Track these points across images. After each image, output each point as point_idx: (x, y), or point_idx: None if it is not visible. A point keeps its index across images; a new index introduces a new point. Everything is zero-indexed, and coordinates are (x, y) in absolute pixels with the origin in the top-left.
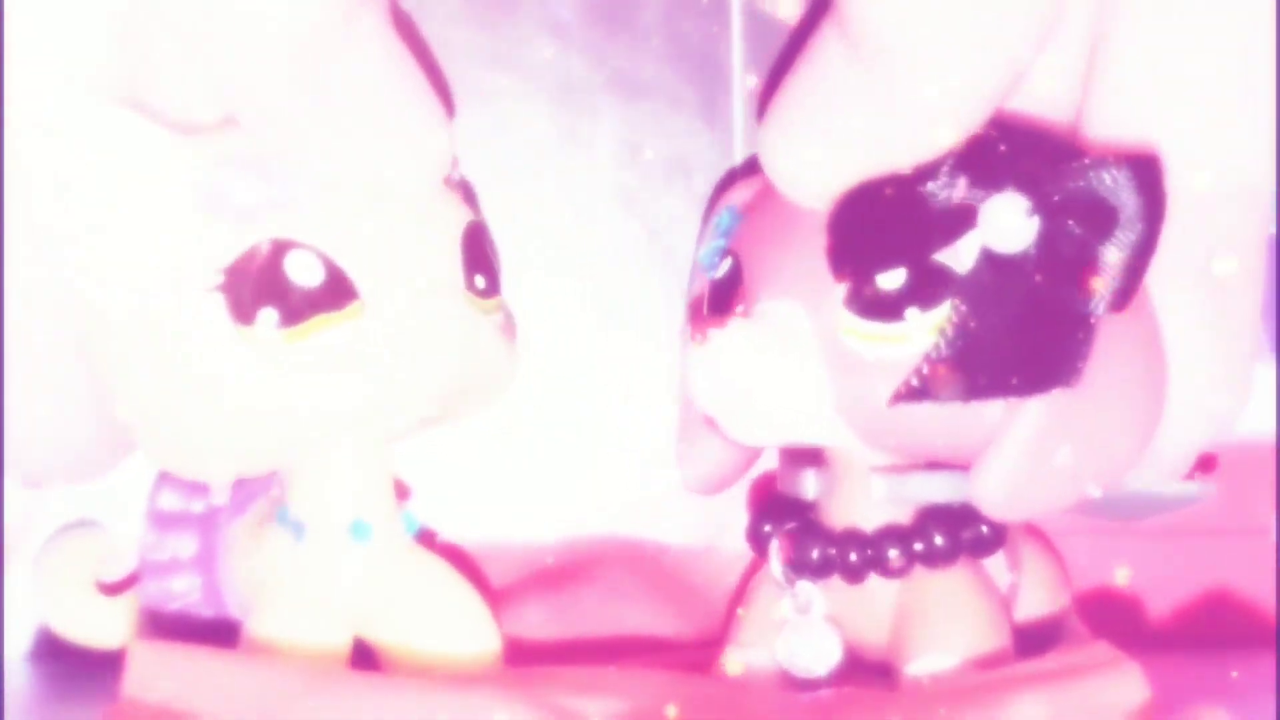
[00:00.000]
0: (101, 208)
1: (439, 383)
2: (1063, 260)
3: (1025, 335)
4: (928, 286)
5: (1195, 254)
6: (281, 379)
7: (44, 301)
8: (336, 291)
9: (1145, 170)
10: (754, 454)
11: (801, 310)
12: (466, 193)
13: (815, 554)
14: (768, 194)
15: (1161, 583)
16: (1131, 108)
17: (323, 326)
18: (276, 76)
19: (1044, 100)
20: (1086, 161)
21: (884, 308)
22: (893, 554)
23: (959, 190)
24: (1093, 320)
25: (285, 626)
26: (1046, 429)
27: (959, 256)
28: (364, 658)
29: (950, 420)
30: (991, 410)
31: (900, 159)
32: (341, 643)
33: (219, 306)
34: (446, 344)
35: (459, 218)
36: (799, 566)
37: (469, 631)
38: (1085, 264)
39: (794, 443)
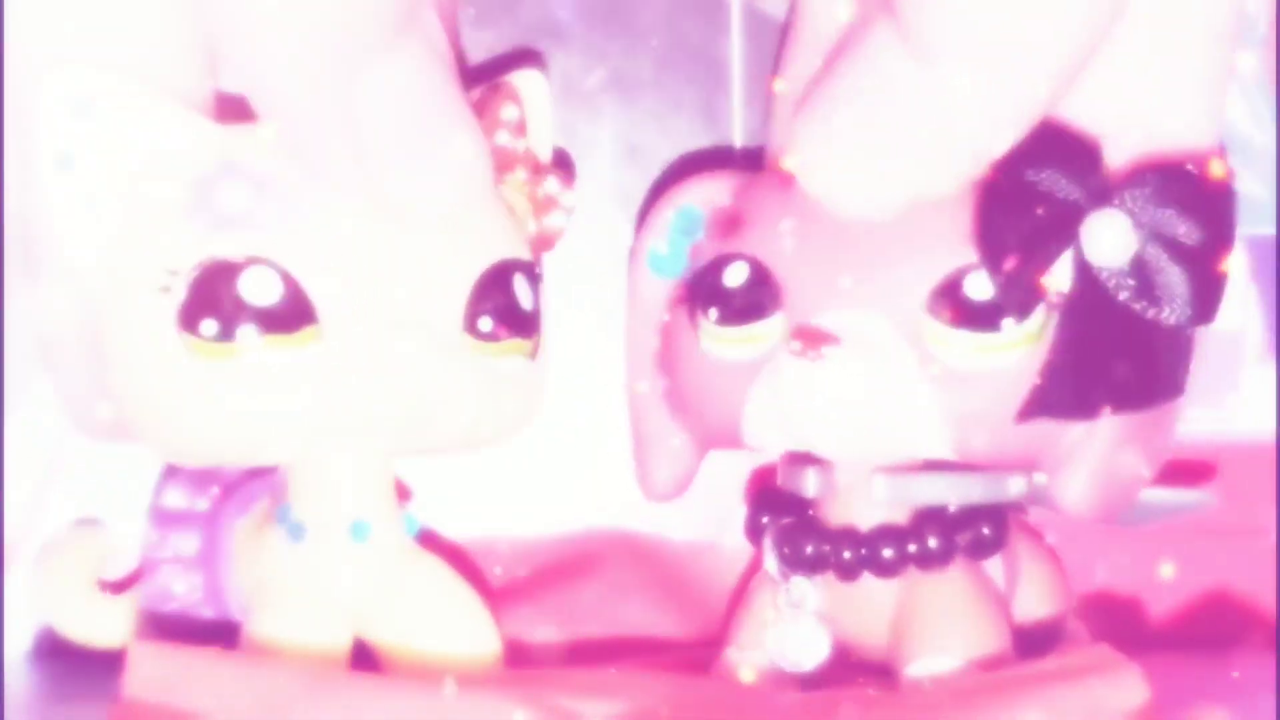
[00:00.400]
0: (101, 191)
1: (397, 419)
2: (1152, 276)
3: (1130, 350)
4: (1025, 295)
5: None
6: (219, 389)
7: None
8: (290, 314)
9: (1213, 181)
10: (707, 453)
11: (887, 323)
12: (543, 241)
13: (809, 549)
14: (766, 195)
15: (1161, 583)
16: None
17: (266, 346)
18: (307, 87)
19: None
20: (1163, 175)
21: (977, 316)
22: (887, 553)
23: (1077, 201)
24: (1190, 334)
25: (285, 627)
26: (1126, 434)
27: (1058, 269)
28: (364, 658)
29: (1049, 432)
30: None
31: (957, 161)
32: (341, 643)
33: (170, 308)
34: (407, 383)
35: (485, 256)
36: (792, 561)
37: (469, 633)
38: (1174, 280)
39: (894, 459)
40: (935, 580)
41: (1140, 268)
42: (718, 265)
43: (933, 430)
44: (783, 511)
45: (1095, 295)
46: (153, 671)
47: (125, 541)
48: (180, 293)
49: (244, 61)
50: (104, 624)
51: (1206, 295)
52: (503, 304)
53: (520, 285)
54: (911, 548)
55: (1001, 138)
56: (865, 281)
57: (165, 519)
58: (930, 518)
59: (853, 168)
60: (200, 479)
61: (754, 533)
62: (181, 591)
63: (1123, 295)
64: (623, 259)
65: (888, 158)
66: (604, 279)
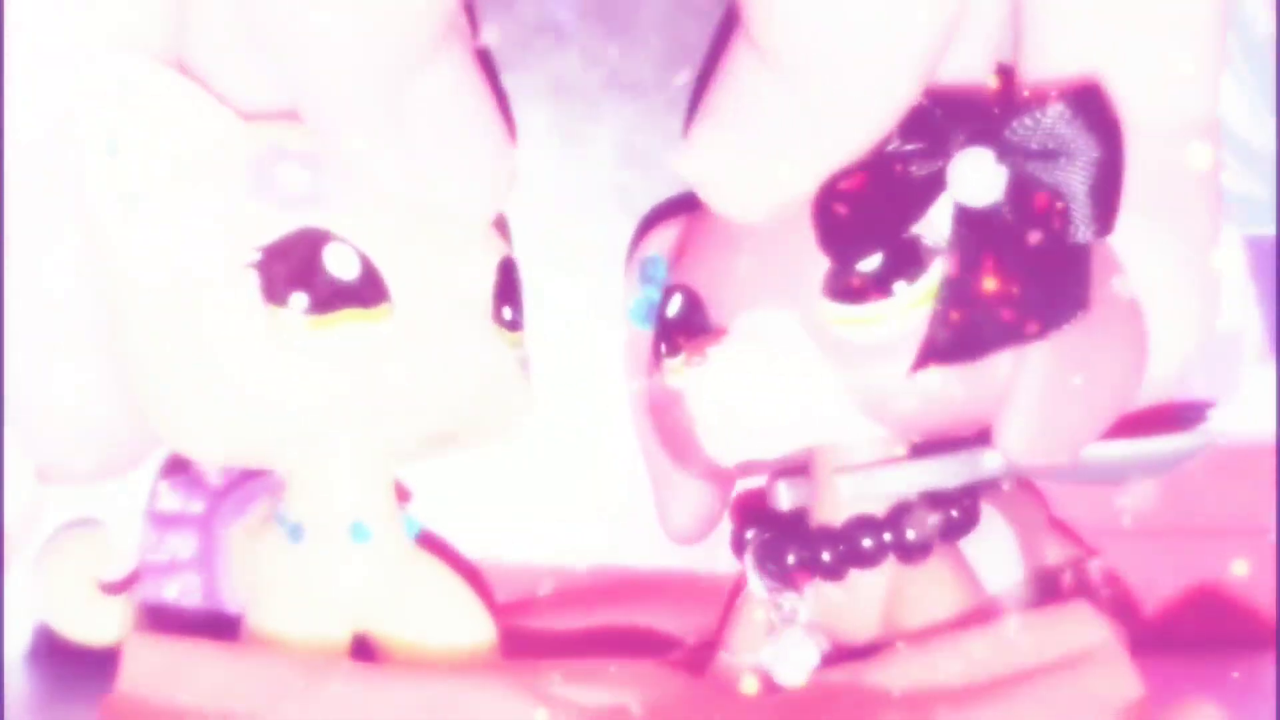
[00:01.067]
0: (151, 174)
1: (451, 400)
2: (1032, 200)
3: (1021, 280)
4: (908, 257)
5: (1145, 183)
6: (301, 365)
7: (75, 283)
8: (369, 289)
9: (1088, 97)
10: (729, 491)
11: (785, 315)
12: (501, 228)
13: (790, 559)
14: (698, 224)
15: (1162, 583)
16: (1073, 50)
17: (350, 320)
18: (350, 90)
19: (965, 68)
20: (1029, 101)
21: (868, 289)
22: (866, 543)
23: (919, 161)
24: (1081, 250)
25: (284, 628)
26: (1056, 368)
27: (933, 222)
28: (363, 657)
29: (964, 384)
30: (1002, 363)
31: (826, 162)
32: (340, 643)
33: (253, 284)
34: (465, 364)
35: (497, 250)
36: (776, 574)
37: (468, 635)
38: (1055, 198)
39: (803, 449)
40: (915, 574)
41: (1019, 193)
42: (664, 301)
43: (846, 410)
44: (765, 526)
45: (975, 233)
46: (147, 665)
47: (123, 542)
48: (264, 267)
49: (293, 74)
50: (102, 624)
51: (1095, 206)
52: (513, 296)
53: (517, 279)
54: (887, 536)
55: (866, 133)
56: (764, 280)
57: (162, 520)
58: (902, 510)
59: (735, 174)
60: (196, 481)
61: (738, 549)
62: (179, 593)
63: (1002, 226)
64: (622, 259)
65: (763, 162)
66: (603, 279)
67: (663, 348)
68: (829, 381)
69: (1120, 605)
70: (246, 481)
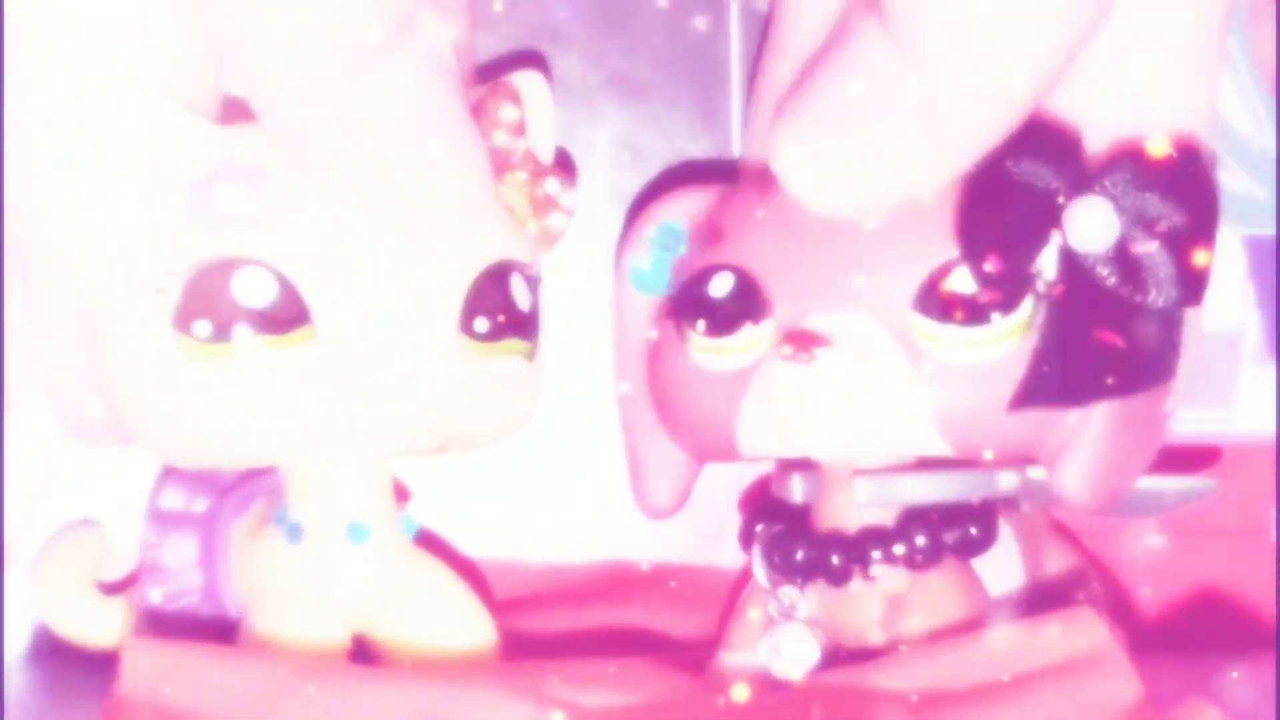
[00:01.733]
0: (101, 190)
1: (384, 421)
2: (1136, 260)
3: (1118, 335)
4: (1014, 288)
5: None
6: (212, 392)
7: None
8: (285, 315)
9: (1193, 161)
10: (702, 468)
11: (875, 322)
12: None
13: (799, 556)
14: (743, 203)
15: (1161, 583)
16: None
17: (260, 347)
18: (304, 89)
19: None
20: (1125, 154)
21: (964, 311)
22: (875, 555)
23: (1057, 190)
24: (1177, 314)
25: (284, 628)
26: (1120, 420)
27: (1043, 258)
28: (363, 657)
29: (1042, 424)
30: (1073, 410)
31: (943, 164)
32: (339, 642)
33: (166, 310)
34: (393, 383)
35: (483, 256)
36: (783, 570)
37: (468, 634)
38: (1158, 263)
39: (888, 458)
40: (922, 581)
41: (1124, 252)
42: (703, 277)
43: (926, 427)
44: (775, 519)
45: (1081, 282)
46: (146, 668)
47: (123, 542)
48: (175, 294)
49: (243, 63)
50: (101, 625)
51: (1192, 277)
52: (499, 305)
53: (518, 286)
54: (898, 549)
55: (987, 135)
56: (851, 282)
57: (163, 520)
58: (916, 517)
59: (836, 168)
60: (199, 481)
61: (747, 541)
62: (179, 592)
63: (1108, 281)
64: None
65: (872, 157)
66: (603, 279)
67: (700, 323)
68: (918, 399)
69: (1120, 605)
70: (248, 480)
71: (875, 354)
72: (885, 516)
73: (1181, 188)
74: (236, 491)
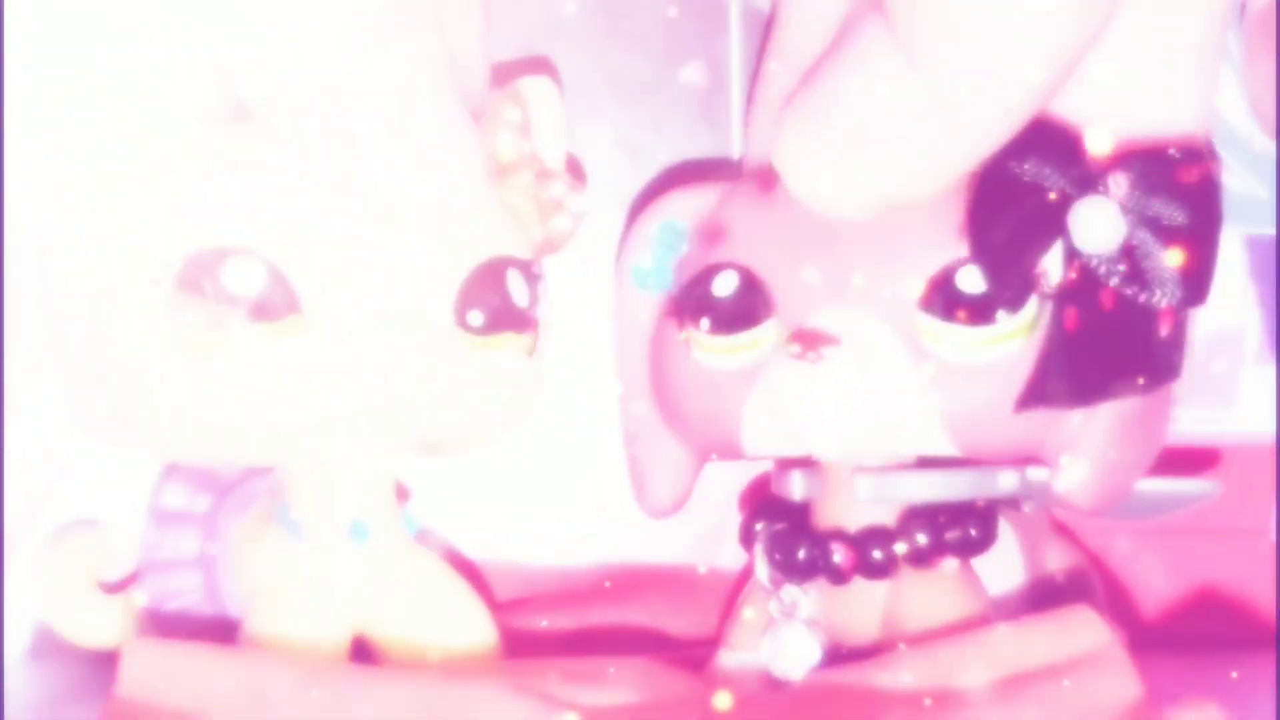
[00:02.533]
0: (100, 182)
1: (376, 412)
2: (1141, 260)
3: (1124, 335)
4: (1020, 288)
5: None
6: (205, 383)
7: None
8: (275, 304)
9: (1198, 162)
10: (703, 466)
11: (881, 321)
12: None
13: (801, 554)
14: (746, 202)
15: (1161, 583)
16: None
17: (251, 336)
18: (300, 86)
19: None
20: (1147, 159)
21: (970, 310)
22: (876, 554)
23: (1063, 190)
24: (1184, 315)
25: (285, 626)
26: (1122, 421)
27: (1050, 259)
28: (363, 656)
29: (1048, 423)
30: (1075, 410)
31: (949, 164)
32: (341, 642)
33: (159, 301)
34: (384, 374)
35: (478, 251)
36: (784, 568)
37: (468, 632)
38: (1163, 263)
39: (893, 457)
40: (922, 580)
41: (1129, 252)
42: (706, 275)
43: (932, 427)
44: (775, 518)
45: (1087, 283)
46: (146, 668)
47: (124, 541)
48: (168, 284)
49: (240, 59)
50: (102, 624)
51: (1196, 277)
52: (495, 299)
53: (515, 281)
54: (900, 548)
55: (992, 136)
56: (856, 280)
57: (165, 519)
58: (917, 516)
59: (841, 167)
60: (200, 479)
61: (748, 540)
62: (180, 591)
63: (1113, 281)
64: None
65: (877, 156)
66: (603, 279)
67: (704, 322)
68: (924, 399)
69: (1120, 605)
70: (250, 479)
71: (881, 353)
72: (886, 515)
73: (1186, 188)
74: (238, 490)
